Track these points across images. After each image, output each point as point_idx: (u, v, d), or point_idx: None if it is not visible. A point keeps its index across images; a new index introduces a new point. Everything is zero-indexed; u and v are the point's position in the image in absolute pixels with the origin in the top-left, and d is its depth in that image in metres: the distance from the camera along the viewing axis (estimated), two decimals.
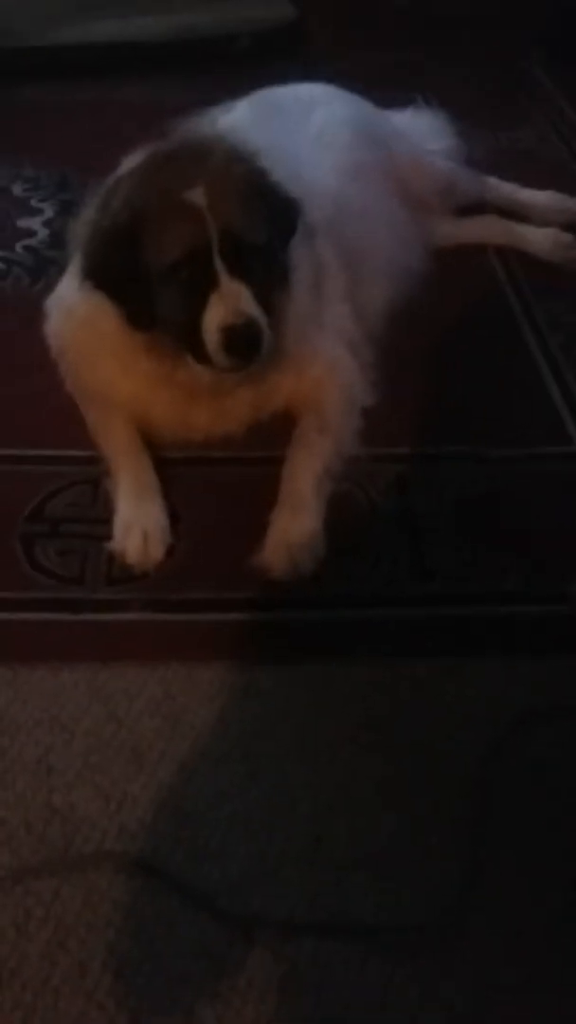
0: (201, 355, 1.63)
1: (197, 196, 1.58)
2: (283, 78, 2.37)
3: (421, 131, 2.47)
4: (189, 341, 1.63)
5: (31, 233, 2.45)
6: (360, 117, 2.28)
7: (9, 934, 1.21)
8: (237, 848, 1.30)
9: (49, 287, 2.08)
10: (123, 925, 1.23)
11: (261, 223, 1.63)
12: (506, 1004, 1.17)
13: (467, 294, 2.25)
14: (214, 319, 1.58)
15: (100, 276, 1.66)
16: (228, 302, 1.57)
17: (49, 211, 2.52)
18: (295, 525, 1.67)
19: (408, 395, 1.96)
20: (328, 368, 1.85)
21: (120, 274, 1.63)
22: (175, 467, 1.82)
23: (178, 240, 1.58)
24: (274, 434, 1.84)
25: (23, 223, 2.49)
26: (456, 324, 2.16)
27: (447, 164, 2.41)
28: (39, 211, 2.53)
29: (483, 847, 1.30)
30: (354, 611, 1.61)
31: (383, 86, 2.61)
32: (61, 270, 2.14)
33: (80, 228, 1.76)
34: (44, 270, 2.30)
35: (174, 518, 1.72)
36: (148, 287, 1.62)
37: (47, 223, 2.47)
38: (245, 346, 1.58)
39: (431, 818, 1.34)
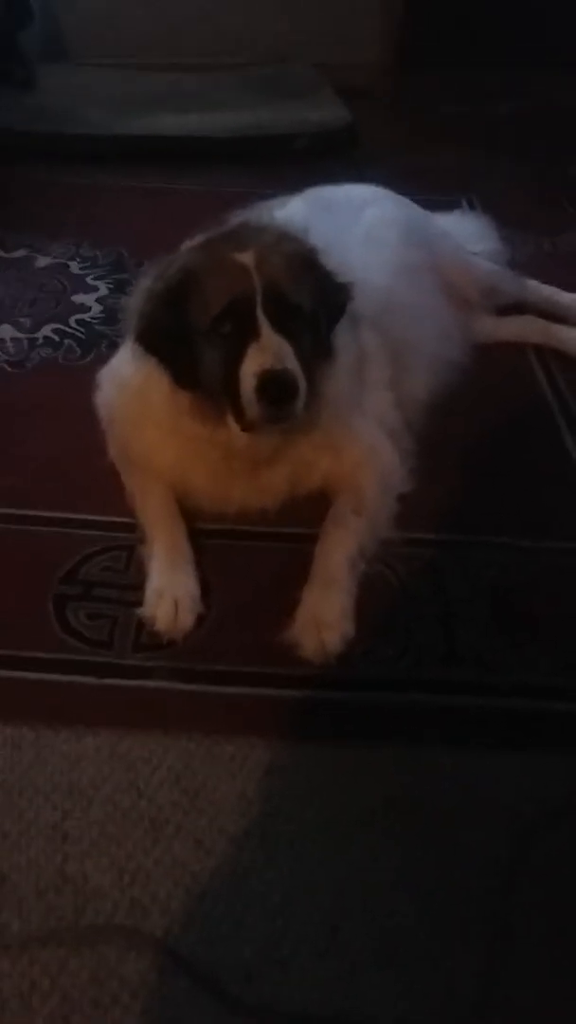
0: (239, 412, 1.66)
1: (246, 258, 1.65)
2: (336, 176, 2.50)
3: (466, 233, 2.57)
4: (229, 396, 1.66)
5: (85, 308, 2.55)
6: (408, 218, 2.38)
7: (13, 1004, 1.18)
8: (251, 932, 1.27)
9: (99, 360, 2.17)
10: (130, 1004, 1.19)
11: (307, 290, 1.68)
12: None
13: (505, 389, 2.30)
14: (251, 366, 1.61)
15: (150, 337, 1.72)
16: (267, 351, 1.61)
17: (103, 288, 2.63)
18: (326, 603, 1.68)
19: (444, 483, 1.99)
20: (367, 452, 1.89)
21: (169, 333, 1.68)
22: (210, 538, 1.84)
23: (223, 292, 1.64)
24: (309, 512, 1.86)
25: (78, 298, 2.60)
26: (493, 417, 2.20)
27: (490, 265, 2.49)
28: (94, 288, 2.64)
29: (506, 944, 1.26)
30: (381, 694, 1.60)
31: (431, 188, 2.74)
32: (111, 344, 2.25)
33: (134, 300, 1.83)
34: (95, 343, 2.39)
35: (205, 589, 1.74)
36: (193, 344, 1.67)
37: (100, 300, 2.58)
38: (279, 393, 1.60)
39: (452, 911, 1.30)
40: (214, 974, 1.22)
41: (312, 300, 1.68)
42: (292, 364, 1.61)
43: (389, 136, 3.74)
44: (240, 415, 1.67)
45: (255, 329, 1.62)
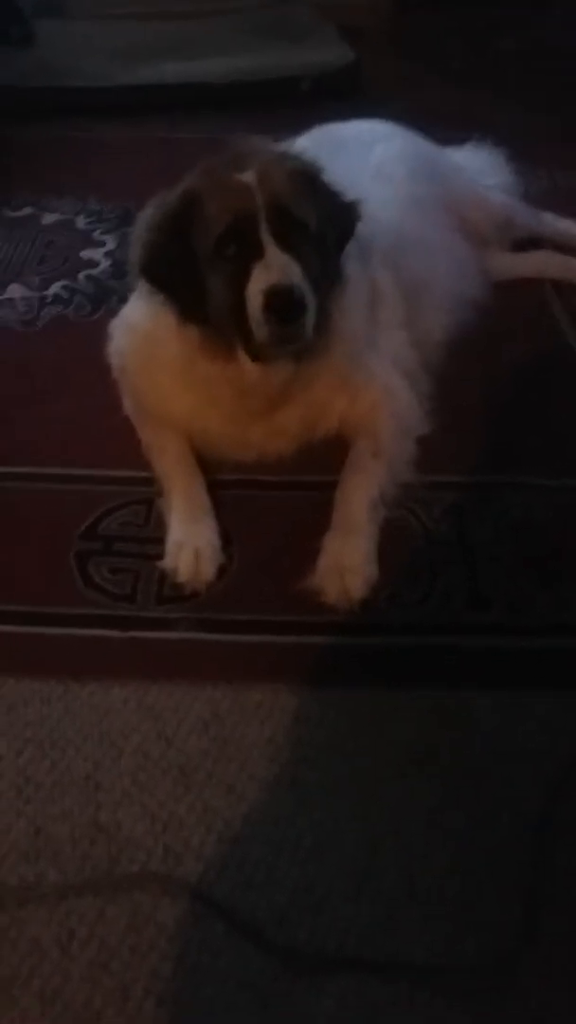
0: (248, 339, 1.62)
1: (248, 177, 1.60)
2: (343, 117, 2.42)
3: (479, 167, 2.49)
4: (237, 322, 1.61)
5: (93, 264, 2.51)
6: (419, 152, 2.31)
7: (52, 953, 1.19)
8: (284, 877, 1.27)
9: (109, 315, 2.14)
10: (167, 950, 1.20)
11: (312, 207, 1.62)
12: None
13: (523, 326, 2.24)
14: (257, 284, 1.55)
15: (154, 266, 1.67)
16: (272, 268, 1.55)
17: (111, 243, 2.59)
18: (347, 549, 1.65)
19: (464, 424, 1.95)
20: (383, 393, 1.85)
21: (173, 260, 1.63)
22: (228, 489, 1.82)
23: (225, 212, 1.58)
24: (327, 459, 1.83)
25: (86, 254, 2.56)
26: (512, 355, 2.15)
27: (504, 199, 2.42)
28: (101, 243, 2.60)
29: (542, 887, 1.25)
30: (408, 639, 1.58)
31: (441, 125, 2.64)
32: (122, 299, 2.20)
33: (136, 231, 1.77)
34: (105, 299, 2.36)
35: (226, 539, 1.72)
36: (199, 271, 1.62)
37: (108, 254, 2.54)
38: (286, 309, 1.54)
39: (486, 854, 1.29)
40: (248, 919, 1.22)
41: (318, 218, 1.63)
42: (299, 280, 1.55)
43: (393, 75, 3.63)
44: (249, 342, 1.62)
45: (260, 248, 1.56)
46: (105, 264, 2.50)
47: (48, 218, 2.73)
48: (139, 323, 1.83)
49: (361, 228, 1.78)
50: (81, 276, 2.46)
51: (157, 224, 1.66)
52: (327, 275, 1.68)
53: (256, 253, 1.57)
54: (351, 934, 1.21)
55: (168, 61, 3.49)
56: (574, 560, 1.69)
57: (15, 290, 2.41)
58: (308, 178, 1.67)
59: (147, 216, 1.70)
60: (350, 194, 1.73)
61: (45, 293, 2.39)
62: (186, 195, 1.64)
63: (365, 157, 2.17)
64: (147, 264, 1.68)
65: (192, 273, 1.62)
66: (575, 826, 1.32)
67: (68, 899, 1.24)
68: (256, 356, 1.65)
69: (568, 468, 1.87)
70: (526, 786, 1.36)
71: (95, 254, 2.55)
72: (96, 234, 2.64)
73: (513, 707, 1.46)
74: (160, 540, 1.71)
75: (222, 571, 1.67)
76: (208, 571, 1.65)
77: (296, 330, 1.58)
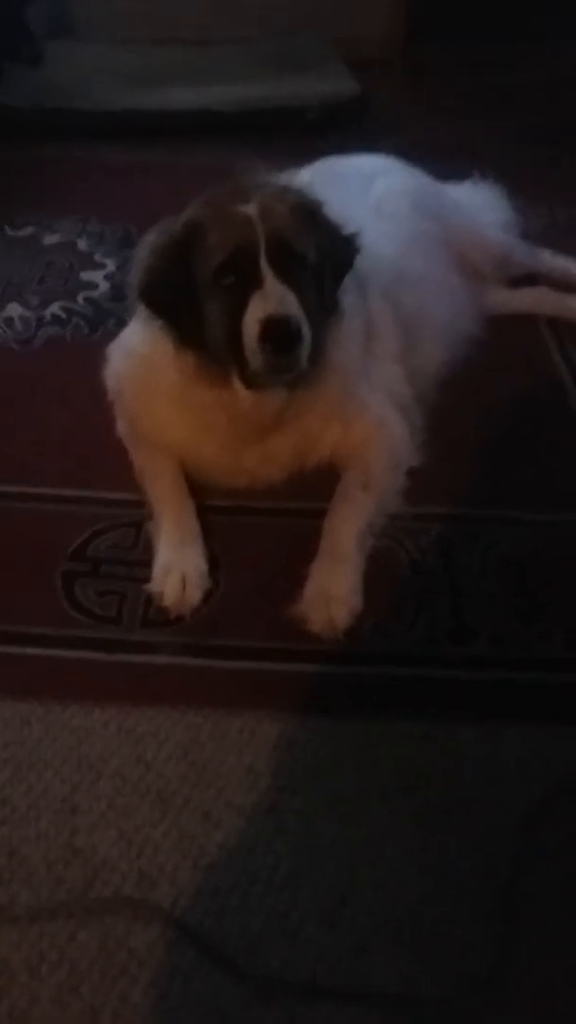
0: (243, 367, 1.64)
1: (250, 209, 1.63)
2: (347, 149, 2.46)
3: (478, 203, 2.52)
4: (233, 352, 1.64)
5: (93, 286, 2.53)
6: (419, 188, 2.34)
7: (21, 975, 1.19)
8: (259, 904, 1.27)
9: (106, 337, 2.16)
10: (137, 975, 1.20)
11: (311, 241, 1.65)
12: None
13: (517, 362, 2.26)
14: (255, 313, 1.58)
15: (153, 290, 1.70)
16: (270, 298, 1.58)
17: (111, 265, 2.61)
18: (334, 578, 1.67)
19: (455, 457, 1.97)
20: (376, 425, 1.87)
21: (173, 286, 1.66)
22: (218, 514, 1.83)
23: (226, 242, 1.61)
24: (317, 488, 1.85)
25: (86, 276, 2.58)
26: (505, 390, 2.17)
27: (502, 236, 2.45)
28: (102, 265, 2.62)
29: (517, 918, 1.25)
30: (391, 668, 1.59)
31: (443, 159, 2.68)
32: (119, 322, 2.23)
33: (138, 255, 1.79)
34: (103, 320, 2.38)
35: (213, 564, 1.73)
36: (198, 298, 1.65)
37: (108, 277, 2.56)
38: (282, 339, 1.57)
39: (462, 885, 1.30)
40: (221, 945, 1.22)
41: (317, 251, 1.66)
42: (295, 311, 1.58)
43: (399, 108, 3.69)
44: (244, 370, 1.64)
45: (258, 278, 1.59)
46: (104, 286, 2.53)
47: (49, 238, 2.75)
48: (137, 348, 1.85)
49: (360, 262, 1.82)
50: (80, 297, 2.48)
51: (159, 250, 1.69)
52: (324, 307, 1.71)
53: (255, 283, 1.60)
54: (325, 962, 1.22)
55: (176, 87, 3.54)
56: (559, 595, 1.70)
57: (13, 309, 2.43)
58: (309, 212, 1.70)
59: (149, 242, 1.73)
60: (349, 227, 1.76)
61: (43, 313, 2.41)
62: (189, 224, 1.67)
63: (366, 192, 2.20)
64: (147, 289, 1.71)
65: (191, 300, 1.65)
66: (552, 857, 1.32)
67: (40, 921, 1.24)
68: (250, 384, 1.67)
69: (557, 503, 1.89)
70: (505, 817, 1.37)
71: (95, 276, 2.57)
72: (97, 256, 2.67)
73: (494, 739, 1.47)
74: (148, 563, 1.72)
75: (208, 596, 1.68)
76: (194, 596, 1.66)
77: (291, 360, 1.60)
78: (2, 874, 1.29)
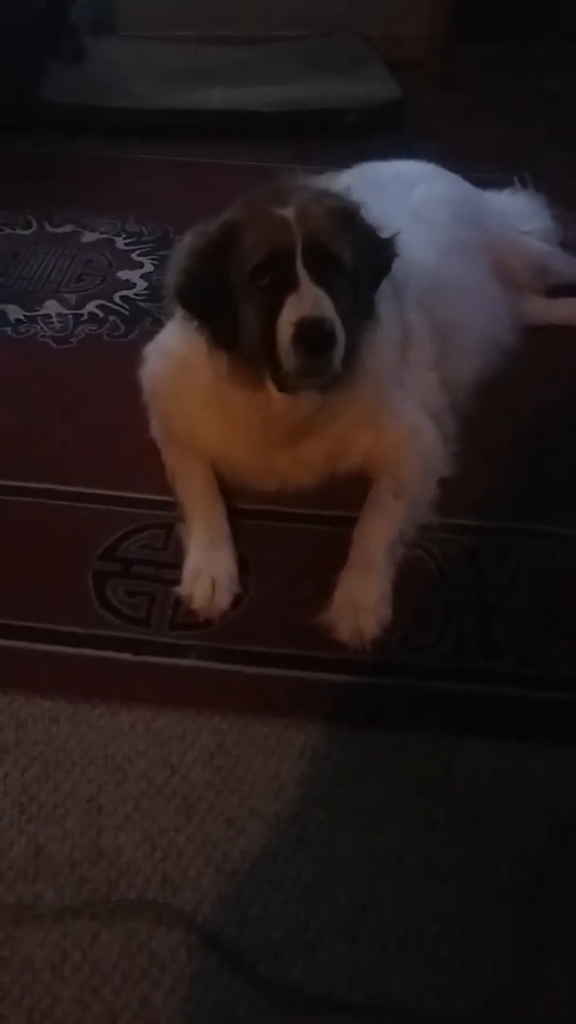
0: (276, 369, 1.64)
1: (287, 212, 1.63)
2: (386, 152, 2.45)
3: (518, 212, 2.51)
4: (267, 354, 1.64)
5: (130, 284, 2.54)
6: (459, 195, 2.33)
7: (44, 974, 1.20)
8: (280, 913, 1.27)
9: (142, 337, 2.17)
10: (158, 979, 1.20)
11: (348, 245, 1.65)
12: None
13: (554, 373, 2.24)
14: (289, 315, 1.57)
15: (189, 291, 1.70)
16: (305, 300, 1.58)
17: (148, 265, 2.62)
18: (363, 587, 1.66)
19: (488, 469, 1.95)
20: (409, 433, 1.86)
21: (208, 288, 1.66)
22: (249, 518, 1.84)
23: (263, 244, 1.61)
24: (349, 495, 1.84)
25: (123, 275, 2.59)
26: (542, 402, 2.15)
27: (542, 245, 2.43)
28: (139, 264, 2.64)
29: (538, 934, 1.25)
30: (417, 680, 1.58)
31: (482, 164, 2.67)
32: (155, 321, 2.24)
33: (175, 257, 1.79)
34: (139, 320, 2.39)
35: (243, 569, 1.73)
36: (233, 300, 1.65)
37: (145, 276, 2.57)
38: (316, 340, 1.56)
39: (483, 901, 1.29)
40: (242, 953, 1.23)
41: (354, 255, 1.65)
42: (330, 314, 1.58)
43: (439, 111, 3.66)
44: (278, 372, 1.64)
45: (294, 281, 1.59)
46: (141, 286, 2.53)
47: (88, 236, 2.76)
48: (173, 349, 1.86)
49: (397, 268, 1.81)
50: (117, 296, 2.49)
51: (196, 252, 1.69)
52: (359, 311, 1.70)
53: (290, 286, 1.59)
54: (344, 975, 1.22)
55: (216, 86, 3.55)
56: None
57: (51, 306, 2.44)
58: (346, 216, 1.69)
59: (186, 243, 1.74)
60: (387, 231, 1.76)
61: (80, 311, 2.43)
62: (226, 226, 1.67)
63: (405, 198, 2.19)
64: (183, 290, 1.72)
65: (226, 301, 1.65)
66: (574, 875, 1.31)
67: (64, 921, 1.25)
68: (283, 386, 1.67)
69: None
70: (527, 834, 1.36)
71: (132, 275, 2.58)
72: (134, 255, 2.68)
73: (519, 756, 1.46)
74: (178, 565, 1.72)
75: (237, 601, 1.68)
76: (223, 600, 1.66)
77: (324, 362, 1.60)
78: (27, 872, 1.30)
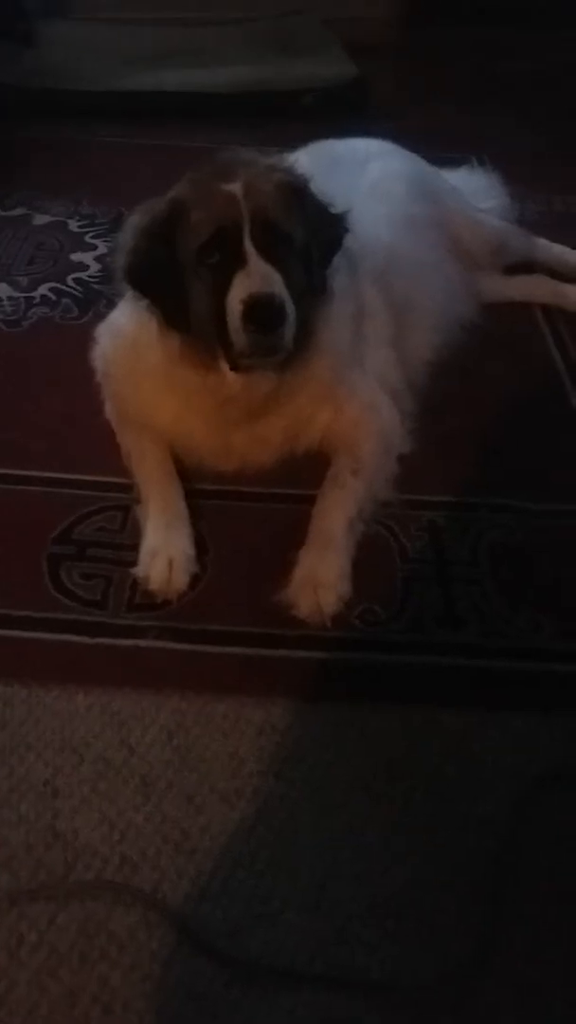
0: (228, 348, 1.62)
1: (234, 187, 1.60)
2: (344, 133, 2.43)
3: (474, 189, 2.50)
4: (218, 333, 1.61)
5: (83, 267, 2.51)
6: (415, 172, 2.31)
7: (0, 957, 1.18)
8: (240, 889, 1.26)
9: (96, 319, 2.13)
10: (117, 959, 1.19)
11: (298, 220, 1.63)
12: None
13: (512, 349, 2.25)
14: (238, 293, 1.55)
15: (137, 272, 1.67)
16: (254, 277, 1.55)
17: (102, 247, 2.58)
18: (323, 564, 1.65)
19: (447, 445, 1.95)
20: (366, 410, 1.85)
21: (156, 267, 1.63)
22: (206, 499, 1.82)
23: (210, 221, 1.59)
24: (307, 474, 1.83)
25: (76, 257, 2.55)
26: (499, 378, 2.15)
27: (498, 222, 2.43)
28: (92, 246, 2.60)
29: (500, 908, 1.24)
30: (378, 655, 1.58)
31: (440, 145, 2.66)
32: (109, 303, 2.20)
33: (122, 237, 1.76)
34: (93, 302, 2.35)
35: (201, 549, 1.72)
36: (182, 279, 1.62)
37: (99, 258, 2.53)
38: (265, 317, 1.54)
39: (446, 873, 1.29)
40: (202, 930, 1.22)
41: (304, 231, 1.63)
42: (280, 290, 1.56)
43: (398, 93, 3.65)
44: (229, 352, 1.62)
45: (242, 258, 1.57)
46: (95, 268, 2.50)
47: (40, 219, 2.72)
48: (124, 329, 1.83)
49: (352, 244, 1.79)
50: (70, 279, 2.45)
51: (142, 230, 1.66)
52: (312, 288, 1.68)
53: (239, 263, 1.57)
54: (306, 948, 1.21)
55: (171, 68, 3.50)
56: (550, 584, 1.70)
57: (2, 289, 2.40)
58: (295, 190, 1.67)
59: (133, 222, 1.71)
60: (338, 206, 1.74)
61: (32, 294, 2.39)
62: (172, 203, 1.65)
63: (360, 174, 2.17)
64: (131, 269, 1.69)
65: (175, 280, 1.63)
66: (538, 846, 1.31)
67: (20, 904, 1.23)
68: (236, 366, 1.65)
69: (549, 492, 1.88)
70: (491, 805, 1.36)
71: (85, 257, 2.54)
72: (88, 237, 2.64)
73: (481, 727, 1.46)
74: (135, 547, 1.70)
75: (195, 581, 1.67)
76: (180, 580, 1.64)
77: (275, 340, 1.58)
78: None
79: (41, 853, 1.29)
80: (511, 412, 2.08)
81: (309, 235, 1.65)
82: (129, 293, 1.76)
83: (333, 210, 1.73)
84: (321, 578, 1.63)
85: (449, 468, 1.92)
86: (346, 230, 1.75)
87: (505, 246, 2.39)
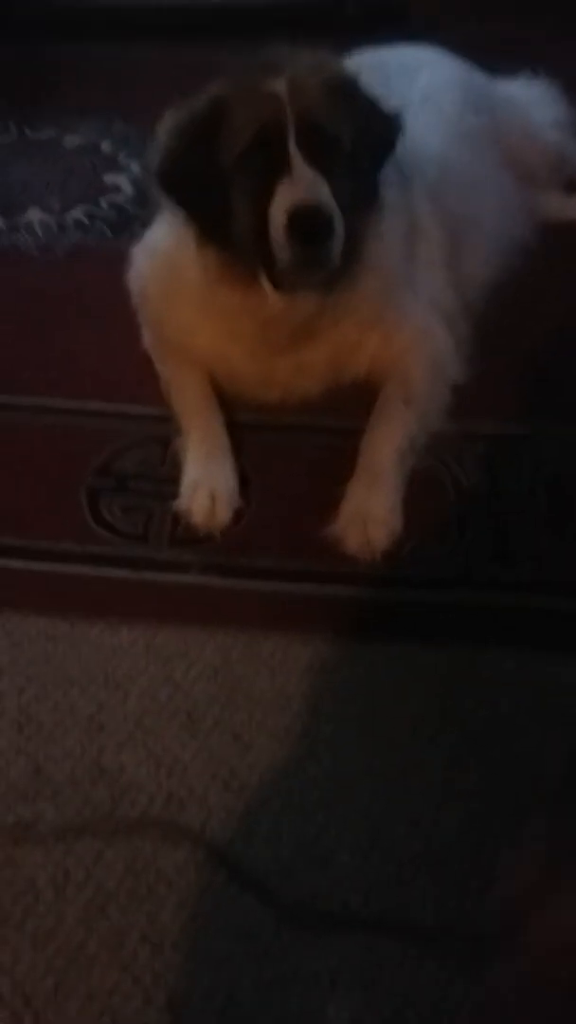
0: (271, 265, 1.52)
1: (279, 85, 1.49)
2: (389, 46, 2.27)
3: (532, 100, 2.33)
4: (260, 247, 1.51)
5: (117, 189, 2.42)
6: (468, 82, 2.16)
7: (47, 894, 1.16)
8: (290, 829, 1.23)
9: (132, 243, 2.03)
10: (165, 897, 1.16)
11: (347, 121, 1.52)
12: None
13: (572, 271, 2.11)
14: (282, 203, 1.45)
15: (173, 175, 1.58)
16: (298, 185, 1.45)
17: (135, 168, 2.47)
18: (372, 498, 1.58)
19: (502, 372, 1.84)
20: (418, 336, 1.75)
21: (194, 171, 1.53)
22: (250, 431, 1.74)
23: (252, 122, 1.48)
24: (355, 404, 1.75)
25: (109, 179, 2.46)
26: (558, 302, 2.03)
27: (558, 135, 2.27)
28: (125, 168, 2.50)
29: (556, 856, 1.19)
30: (430, 593, 1.51)
31: (493, 57, 2.48)
32: (144, 226, 2.10)
33: (159, 136, 1.65)
34: (127, 226, 2.26)
35: (245, 482, 1.65)
36: (221, 186, 1.52)
37: (133, 181, 2.43)
38: (311, 229, 1.44)
39: (502, 817, 1.24)
40: (251, 869, 1.18)
41: (353, 133, 1.52)
42: (327, 199, 1.45)
43: (444, 4, 3.42)
44: (272, 268, 1.52)
45: (287, 163, 1.46)
46: (129, 190, 2.41)
47: (71, 141, 2.62)
48: (161, 246, 1.74)
49: (404, 154, 1.68)
50: (103, 202, 2.37)
51: (180, 130, 1.56)
52: (361, 197, 1.57)
53: (283, 169, 1.47)
54: (358, 891, 1.17)
55: None
56: None
57: (34, 214, 2.32)
58: (344, 88, 1.55)
59: (168, 121, 1.61)
60: (391, 105, 1.62)
61: (65, 219, 2.31)
62: (212, 102, 1.54)
63: (410, 84, 2.03)
64: (166, 173, 1.59)
65: (214, 187, 1.52)
66: None
67: (66, 840, 1.21)
68: (279, 285, 1.55)
69: None
70: (547, 749, 1.30)
71: (119, 179, 2.45)
72: (121, 158, 2.54)
73: (538, 668, 1.40)
74: (176, 480, 1.65)
75: (239, 515, 1.61)
76: (224, 514, 1.59)
77: (322, 254, 1.48)
78: (27, 792, 1.26)
79: (87, 788, 1.26)
80: (570, 338, 1.96)
81: (359, 137, 1.53)
82: (165, 206, 1.66)
83: (386, 109, 1.61)
84: (371, 512, 1.56)
85: (505, 396, 1.82)
86: (400, 131, 1.62)
87: (564, 160, 2.24)
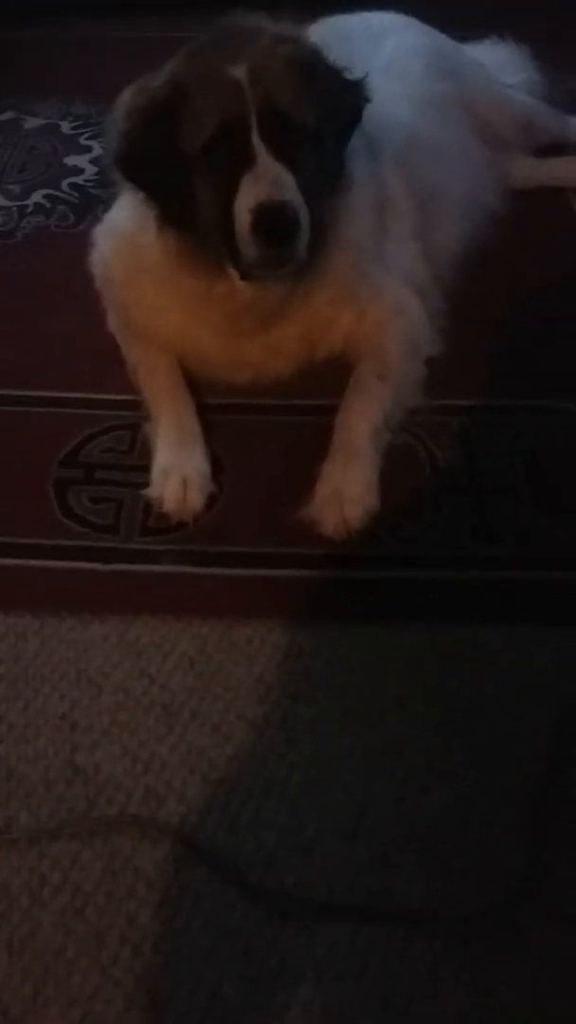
0: (236, 256, 1.48)
1: (239, 71, 1.44)
2: (352, 10, 2.21)
3: (500, 64, 2.30)
4: (225, 239, 1.48)
5: (78, 171, 2.37)
6: (434, 47, 2.12)
7: (22, 901, 1.13)
8: (272, 819, 1.20)
9: (94, 226, 1.98)
10: (145, 896, 1.13)
11: (311, 104, 1.47)
12: (562, 1006, 1.04)
13: (544, 238, 2.07)
14: (246, 200, 1.42)
15: (131, 160, 1.53)
16: (262, 181, 1.41)
17: (97, 149, 2.41)
18: (348, 477, 1.54)
19: (478, 344, 1.81)
20: (391, 310, 1.71)
21: (153, 156, 1.48)
22: (220, 413, 1.70)
23: (213, 113, 1.44)
24: (329, 381, 1.71)
25: (70, 161, 2.40)
26: (532, 270, 1.99)
27: (526, 99, 2.23)
28: (87, 149, 2.44)
29: (547, 833, 1.17)
30: (408, 571, 1.48)
31: (458, 23, 2.43)
32: (106, 208, 2.05)
33: (114, 118, 1.61)
34: (89, 208, 2.21)
35: (217, 466, 1.61)
36: (184, 175, 1.48)
37: (95, 161, 2.38)
38: (276, 229, 1.41)
39: (489, 796, 1.21)
40: (233, 862, 1.15)
41: (317, 111, 1.47)
42: (292, 195, 1.41)
43: None
44: (238, 260, 1.49)
45: (250, 156, 1.42)
46: (91, 171, 2.35)
47: (31, 122, 2.56)
48: (122, 226, 1.69)
49: (370, 123, 1.63)
50: (65, 184, 2.31)
51: (139, 112, 1.51)
52: (328, 176, 1.53)
53: (247, 161, 1.42)
54: (343, 878, 1.15)
55: None
56: None
57: None
58: (307, 66, 1.50)
59: (126, 102, 1.55)
60: (356, 73, 1.57)
61: (25, 202, 2.25)
62: (172, 85, 1.48)
63: (375, 50, 1.99)
64: (123, 156, 1.54)
65: (175, 172, 1.48)
66: None
67: (40, 843, 1.17)
68: (245, 275, 1.52)
69: None
70: (534, 726, 1.28)
71: (80, 161, 2.40)
72: (82, 139, 2.48)
73: (521, 643, 1.37)
74: (146, 468, 1.61)
75: (212, 500, 1.57)
76: (196, 500, 1.55)
77: (288, 251, 1.44)
78: None
79: (61, 789, 1.23)
80: (546, 307, 1.92)
81: (324, 114, 1.48)
82: (126, 185, 1.60)
83: (350, 77, 1.56)
84: (346, 492, 1.53)
85: (481, 369, 1.78)
86: (366, 99, 1.57)
87: (534, 125, 2.20)
